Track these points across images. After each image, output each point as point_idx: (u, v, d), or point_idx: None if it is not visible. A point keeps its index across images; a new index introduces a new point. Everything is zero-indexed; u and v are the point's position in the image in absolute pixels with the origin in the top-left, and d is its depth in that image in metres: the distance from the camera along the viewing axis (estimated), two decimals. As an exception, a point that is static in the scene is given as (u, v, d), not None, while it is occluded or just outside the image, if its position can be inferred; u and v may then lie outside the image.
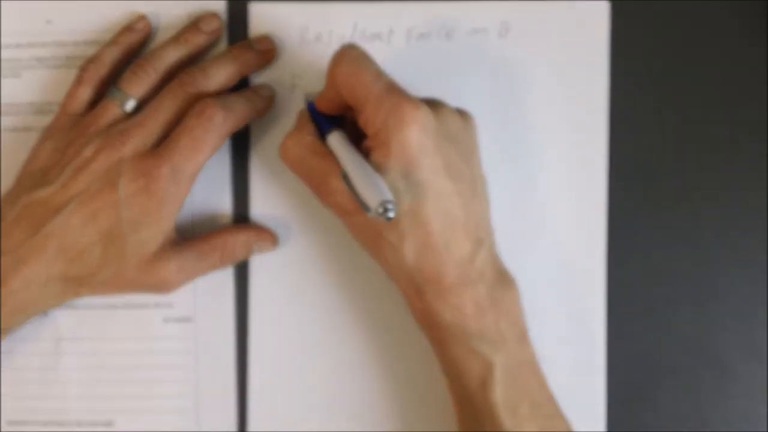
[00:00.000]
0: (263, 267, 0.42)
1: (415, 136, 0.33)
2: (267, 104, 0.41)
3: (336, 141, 0.36)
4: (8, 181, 0.39)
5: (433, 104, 0.35)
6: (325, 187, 0.36)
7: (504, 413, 0.35)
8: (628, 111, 0.41)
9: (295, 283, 0.42)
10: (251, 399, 0.42)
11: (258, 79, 0.42)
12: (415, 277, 0.35)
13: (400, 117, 0.33)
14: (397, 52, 0.41)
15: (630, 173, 0.41)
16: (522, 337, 0.36)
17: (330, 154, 0.36)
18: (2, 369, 0.42)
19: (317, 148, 0.37)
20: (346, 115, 0.38)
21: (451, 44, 0.41)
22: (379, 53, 0.41)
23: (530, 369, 0.36)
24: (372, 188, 0.32)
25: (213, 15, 0.41)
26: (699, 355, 0.41)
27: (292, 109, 0.42)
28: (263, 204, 0.42)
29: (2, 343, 0.39)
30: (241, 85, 0.41)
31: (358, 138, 0.36)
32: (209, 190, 0.42)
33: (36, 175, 0.38)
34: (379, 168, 0.34)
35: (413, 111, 0.33)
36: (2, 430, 0.42)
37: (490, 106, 0.37)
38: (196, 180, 0.38)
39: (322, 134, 0.37)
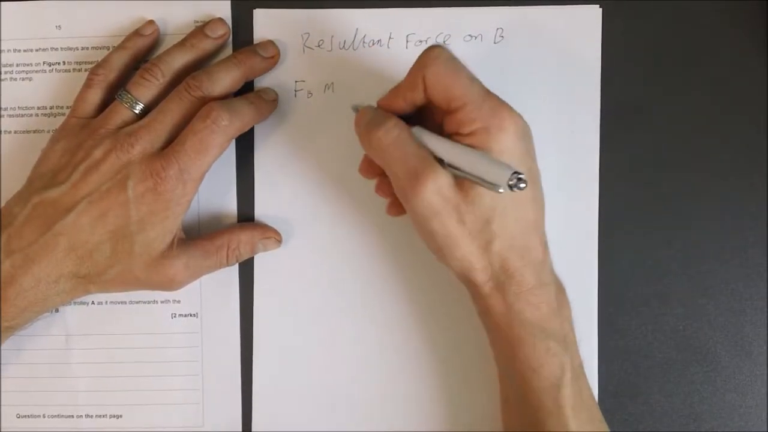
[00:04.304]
0: (267, 265, 0.42)
1: (512, 139, 0.34)
2: (271, 108, 0.41)
3: (423, 132, 0.36)
4: (19, 182, 0.39)
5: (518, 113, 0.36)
6: (429, 180, 0.34)
7: (570, 414, 0.35)
8: (620, 112, 0.42)
9: (298, 281, 0.42)
10: (255, 392, 0.42)
11: (262, 83, 0.42)
12: (500, 277, 0.35)
13: (500, 120, 0.34)
14: (397, 57, 0.41)
15: (622, 172, 0.42)
16: (576, 342, 0.37)
17: (425, 149, 0.35)
18: (13, 364, 0.42)
19: (413, 138, 0.35)
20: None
21: (448, 50, 0.42)
22: (379, 58, 0.42)
23: (584, 374, 0.37)
24: (493, 165, 0.32)
25: (219, 20, 0.41)
26: (690, 350, 0.42)
27: (295, 112, 0.42)
28: (267, 204, 0.42)
29: (13, 339, 0.40)
30: (246, 88, 0.41)
31: None
32: (215, 191, 0.42)
33: (46, 176, 0.38)
34: None
35: (512, 116, 0.34)
36: (13, 423, 0.42)
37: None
38: (202, 181, 0.38)
39: None
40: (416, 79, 0.35)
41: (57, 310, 0.42)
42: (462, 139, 0.35)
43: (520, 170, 0.32)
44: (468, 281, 0.36)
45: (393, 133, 0.35)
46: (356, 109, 0.39)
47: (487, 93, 0.35)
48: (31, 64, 0.43)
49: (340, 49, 0.42)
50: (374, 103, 0.38)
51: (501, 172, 0.32)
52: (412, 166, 0.34)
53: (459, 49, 0.35)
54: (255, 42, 0.42)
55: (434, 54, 0.35)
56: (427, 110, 0.37)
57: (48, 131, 0.42)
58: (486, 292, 0.36)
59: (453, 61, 0.35)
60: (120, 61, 0.41)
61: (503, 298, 0.36)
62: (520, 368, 0.36)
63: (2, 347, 0.40)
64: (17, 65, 0.43)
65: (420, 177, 0.34)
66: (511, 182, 0.31)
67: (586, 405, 0.36)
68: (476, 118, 0.34)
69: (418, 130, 0.36)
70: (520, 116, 0.35)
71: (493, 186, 0.32)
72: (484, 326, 0.38)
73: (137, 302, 0.42)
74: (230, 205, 0.42)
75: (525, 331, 0.36)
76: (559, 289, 0.37)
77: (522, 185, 0.31)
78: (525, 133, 0.35)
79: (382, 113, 0.37)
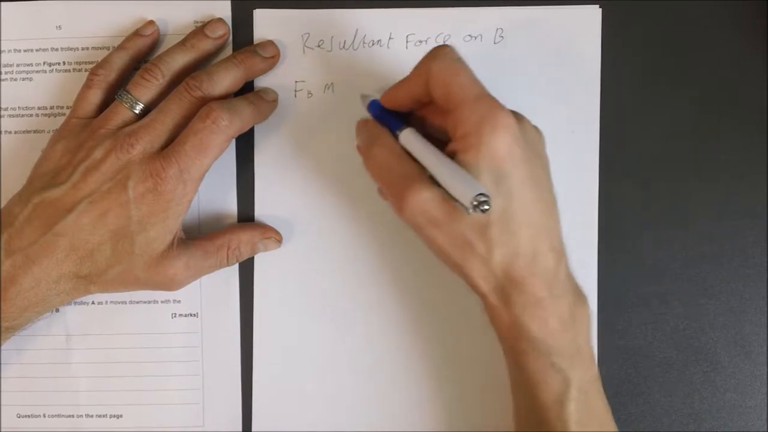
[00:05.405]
0: (267, 265, 0.42)
1: (507, 142, 0.33)
2: (270, 108, 0.41)
3: (410, 138, 0.35)
4: (20, 182, 0.39)
5: (516, 115, 0.35)
6: (412, 195, 0.34)
7: (575, 429, 0.35)
8: (620, 112, 0.42)
9: (298, 281, 0.42)
10: (255, 392, 0.42)
11: (262, 83, 0.42)
12: (505, 287, 0.34)
13: (494, 122, 0.33)
14: (397, 57, 0.42)
15: (622, 172, 0.42)
16: (592, 355, 0.36)
17: (412, 160, 0.35)
18: (13, 364, 0.42)
19: (401, 153, 0.36)
20: (410, 116, 0.38)
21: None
22: (379, 58, 0.42)
23: (598, 387, 0.36)
24: (463, 182, 0.32)
25: (219, 21, 0.41)
26: (690, 350, 0.42)
27: (295, 112, 0.42)
28: (267, 204, 0.42)
29: (14, 339, 0.40)
30: (246, 88, 0.41)
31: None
32: (215, 191, 0.42)
33: (47, 176, 0.38)
34: (469, 170, 0.33)
35: (507, 118, 0.33)
36: (13, 423, 0.42)
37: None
38: (203, 181, 0.38)
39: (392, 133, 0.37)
40: (422, 71, 0.35)
41: (57, 310, 0.42)
42: (454, 142, 0.34)
43: (486, 192, 0.31)
44: (474, 289, 0.36)
45: (383, 149, 0.36)
46: (364, 98, 0.39)
47: (484, 96, 0.34)
48: (32, 64, 0.43)
49: (340, 49, 0.42)
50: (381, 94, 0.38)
51: (467, 191, 0.31)
52: (397, 182, 0.35)
53: (459, 49, 0.35)
54: (255, 42, 0.42)
55: (444, 51, 0.35)
56: (431, 112, 0.37)
57: (48, 131, 0.42)
58: (492, 303, 0.35)
59: (459, 61, 0.35)
60: (120, 61, 0.41)
61: (509, 310, 0.34)
62: (525, 381, 0.36)
63: (2, 347, 0.40)
64: (17, 65, 0.43)
65: (403, 194, 0.34)
66: (474, 203, 0.31)
67: (597, 419, 0.36)
68: (468, 120, 0.33)
69: (408, 135, 0.36)
70: (516, 121, 0.34)
71: (462, 205, 0.32)
72: (496, 334, 0.37)
73: (137, 302, 0.42)
74: (230, 205, 0.43)
75: (530, 346, 0.35)
76: (577, 300, 0.35)
77: (485, 207, 0.31)
78: (524, 137, 0.34)
79: (376, 128, 0.37)
